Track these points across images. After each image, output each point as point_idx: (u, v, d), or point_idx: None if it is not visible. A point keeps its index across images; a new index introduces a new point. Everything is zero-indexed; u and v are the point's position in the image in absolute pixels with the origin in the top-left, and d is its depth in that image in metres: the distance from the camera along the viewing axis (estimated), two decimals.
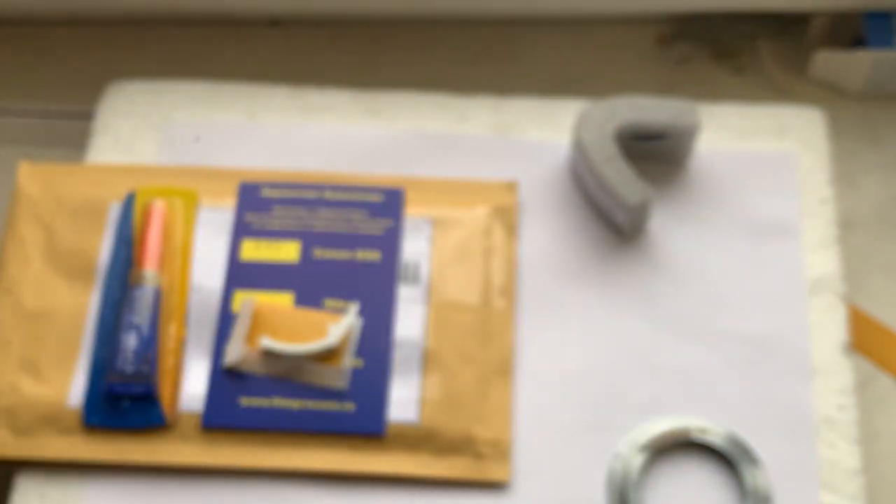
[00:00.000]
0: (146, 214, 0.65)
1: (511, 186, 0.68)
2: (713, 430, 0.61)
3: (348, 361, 0.62)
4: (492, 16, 0.78)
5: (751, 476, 0.60)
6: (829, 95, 0.75)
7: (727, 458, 0.60)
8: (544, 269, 0.66)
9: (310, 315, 0.63)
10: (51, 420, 0.60)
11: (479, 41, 0.78)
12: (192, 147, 0.70)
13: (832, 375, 0.63)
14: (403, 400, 0.61)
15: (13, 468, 0.60)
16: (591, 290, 0.65)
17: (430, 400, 0.61)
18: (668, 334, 0.64)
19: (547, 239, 0.67)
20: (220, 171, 0.68)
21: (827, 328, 0.64)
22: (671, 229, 0.67)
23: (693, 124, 0.66)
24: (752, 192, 0.68)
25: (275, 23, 0.78)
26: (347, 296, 0.64)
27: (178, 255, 0.65)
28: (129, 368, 0.60)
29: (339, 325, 0.62)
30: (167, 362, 0.61)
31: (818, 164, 0.69)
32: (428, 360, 0.62)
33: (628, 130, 0.67)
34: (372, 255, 0.65)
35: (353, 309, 0.63)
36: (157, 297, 0.62)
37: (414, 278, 0.64)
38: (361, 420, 0.60)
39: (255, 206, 0.66)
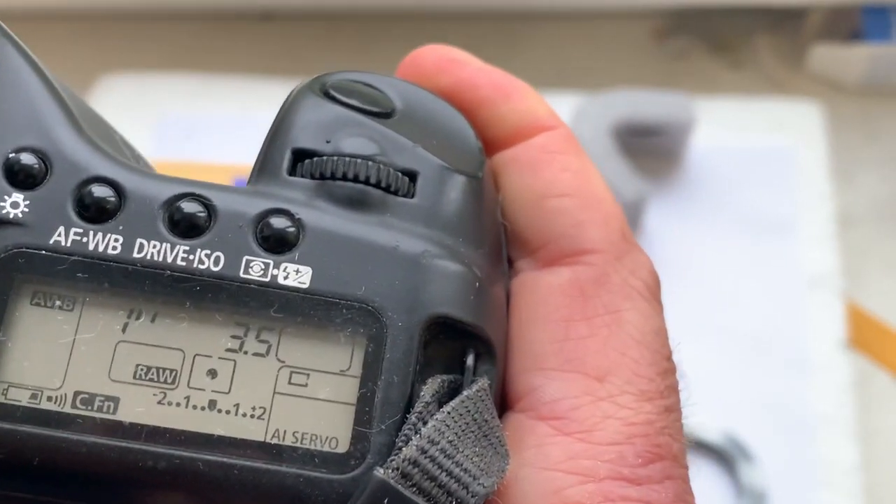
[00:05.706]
0: None
1: None
2: (709, 427, 0.60)
3: None
4: (489, 10, 0.77)
5: (747, 473, 0.59)
6: (826, 90, 0.74)
7: (723, 456, 0.60)
8: None
9: None
10: None
11: (476, 36, 0.77)
12: (185, 142, 0.69)
13: (830, 372, 0.62)
14: None
15: None
16: None
17: None
18: None
19: None
20: (214, 166, 0.68)
21: (825, 325, 0.64)
22: (668, 225, 0.67)
23: (690, 119, 0.66)
24: (750, 187, 0.68)
25: (268, 17, 0.78)
26: None
27: None
28: None
29: None
30: None
31: (816, 158, 0.69)
32: None
33: (625, 126, 0.66)
34: None
35: None
36: None
37: None
38: None
39: None
